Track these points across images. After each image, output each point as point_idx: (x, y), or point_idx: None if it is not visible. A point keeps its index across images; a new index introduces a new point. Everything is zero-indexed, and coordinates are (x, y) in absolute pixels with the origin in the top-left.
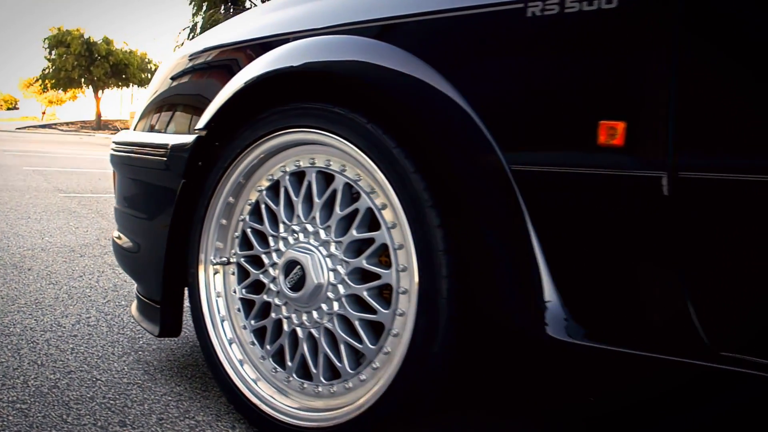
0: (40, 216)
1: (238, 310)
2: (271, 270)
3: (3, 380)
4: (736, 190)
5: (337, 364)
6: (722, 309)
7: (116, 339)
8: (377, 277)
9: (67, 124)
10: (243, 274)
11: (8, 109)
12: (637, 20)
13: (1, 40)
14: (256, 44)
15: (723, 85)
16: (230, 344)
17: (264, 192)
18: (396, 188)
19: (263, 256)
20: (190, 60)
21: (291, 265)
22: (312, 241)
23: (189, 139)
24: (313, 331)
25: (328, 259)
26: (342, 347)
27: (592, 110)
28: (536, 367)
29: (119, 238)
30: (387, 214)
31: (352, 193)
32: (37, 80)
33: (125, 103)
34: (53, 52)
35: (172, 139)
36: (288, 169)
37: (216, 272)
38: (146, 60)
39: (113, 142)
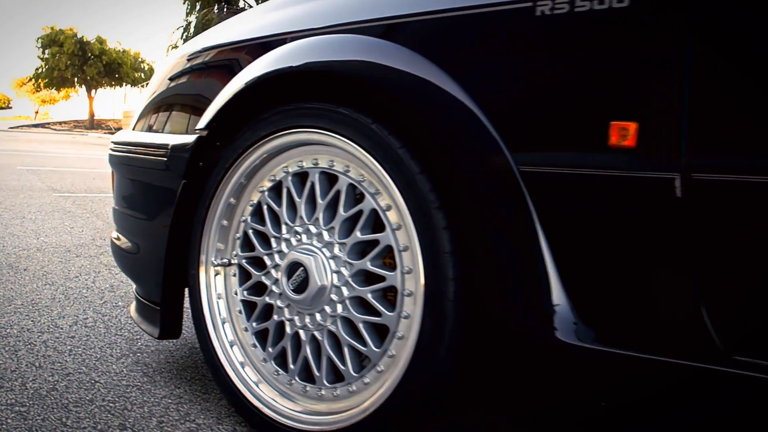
0: (34, 216)
1: (240, 312)
2: (273, 272)
3: (1, 382)
4: (751, 191)
5: (341, 367)
6: (736, 312)
7: (114, 340)
8: (382, 279)
9: (60, 123)
10: (244, 275)
11: (1, 108)
12: (649, 19)
13: None
14: (257, 43)
15: (737, 85)
16: (231, 346)
17: (266, 193)
18: (401, 189)
19: (265, 258)
20: (190, 59)
21: (294, 266)
22: (315, 242)
23: (190, 139)
24: (316, 333)
25: (331, 261)
26: (346, 350)
27: (603, 111)
28: (544, 371)
29: (118, 238)
30: (392, 216)
31: (355, 194)
32: (30, 79)
33: (118, 102)
34: (46, 52)
35: (172, 139)
36: (290, 170)
37: (217, 274)
38: (139, 59)
39: (112, 142)
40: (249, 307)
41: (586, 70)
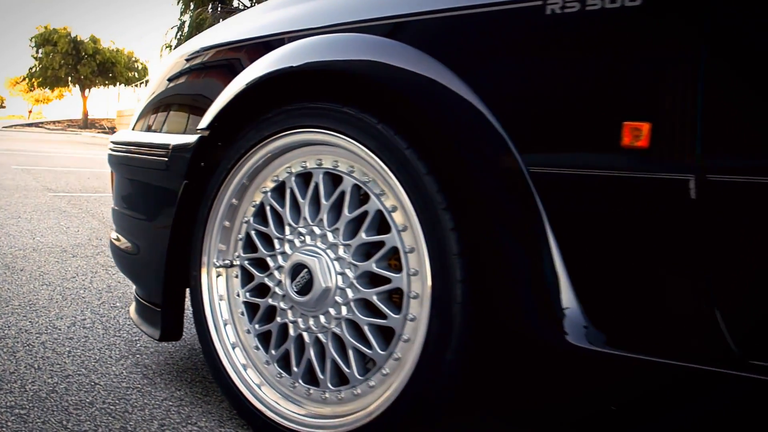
0: (30, 215)
1: (242, 313)
2: (276, 273)
3: (0, 384)
4: (767, 193)
5: (345, 370)
6: (752, 316)
7: (113, 342)
8: (387, 281)
9: (53, 122)
10: (247, 277)
11: None
12: (662, 17)
13: None
14: (260, 42)
15: (753, 84)
16: (233, 348)
17: (269, 193)
18: (408, 190)
19: (268, 259)
20: (191, 59)
21: (298, 268)
22: (319, 243)
23: (191, 139)
24: (320, 335)
25: (336, 263)
26: (350, 353)
27: (615, 111)
28: (554, 375)
29: (117, 239)
30: (397, 217)
31: (360, 195)
32: (23, 79)
33: (112, 101)
34: (40, 51)
35: (173, 139)
36: (294, 171)
37: (219, 275)
38: (133, 59)
39: (111, 141)
40: (251, 308)
41: (597, 69)
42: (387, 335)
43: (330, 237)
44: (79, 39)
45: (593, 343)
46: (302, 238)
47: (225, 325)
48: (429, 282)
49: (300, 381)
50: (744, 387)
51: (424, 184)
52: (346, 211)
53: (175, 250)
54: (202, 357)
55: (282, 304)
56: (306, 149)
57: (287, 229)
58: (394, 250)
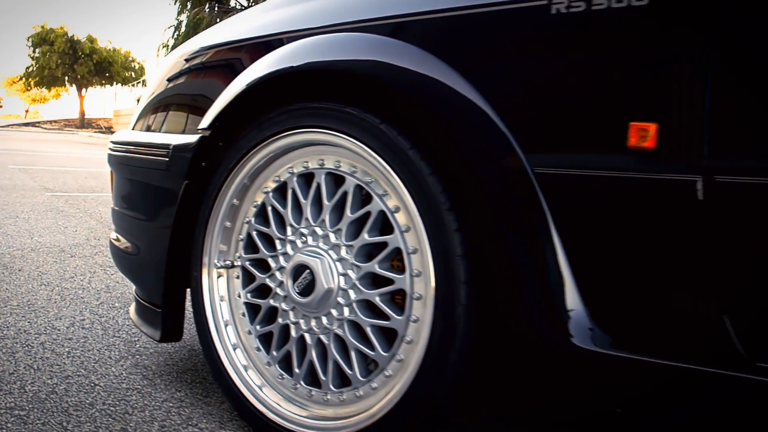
0: (28, 215)
1: (243, 314)
2: (278, 274)
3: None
4: None
5: (348, 371)
6: (759, 318)
7: (112, 342)
8: (390, 282)
9: (50, 122)
10: (248, 277)
11: None
12: (669, 18)
13: None
14: (260, 42)
15: (761, 84)
16: (234, 349)
17: (270, 194)
18: (411, 191)
19: (270, 260)
20: (190, 59)
21: (300, 269)
22: (321, 244)
23: (192, 139)
24: (322, 337)
25: (338, 264)
26: (353, 354)
27: (622, 111)
28: (559, 377)
29: (117, 240)
30: (400, 217)
31: (362, 195)
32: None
33: (109, 101)
34: (37, 50)
35: (174, 139)
36: (296, 171)
37: (220, 276)
38: (130, 58)
39: (111, 141)
40: (252, 309)
41: (603, 69)
42: (389, 337)
43: (332, 238)
44: (76, 38)
45: (599, 346)
46: (304, 238)
47: (226, 326)
48: (432, 283)
49: (302, 382)
50: (751, 389)
51: (427, 184)
52: (348, 211)
53: (176, 251)
54: (201, 358)
55: (284, 305)
56: (308, 149)
57: (289, 230)
58: (397, 251)
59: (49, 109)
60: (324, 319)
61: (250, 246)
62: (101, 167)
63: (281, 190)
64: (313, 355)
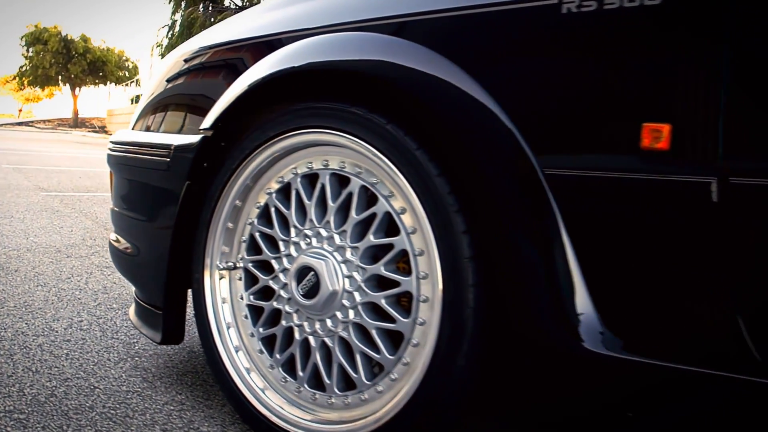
0: (23, 215)
1: (246, 317)
2: (281, 276)
3: None
4: None
5: (353, 374)
6: None
7: (111, 344)
8: (396, 284)
9: (43, 121)
10: (250, 279)
11: None
12: (683, 17)
13: None
14: (260, 42)
15: None
16: (236, 352)
17: (274, 195)
18: (418, 192)
19: (273, 262)
20: (190, 59)
21: (304, 271)
22: (326, 246)
23: (194, 139)
24: (326, 339)
25: (343, 265)
26: (358, 357)
27: (634, 112)
28: (569, 381)
29: (117, 240)
30: (407, 219)
31: (367, 196)
32: (14, 78)
33: (102, 100)
34: (30, 50)
35: (175, 140)
36: (299, 171)
37: (222, 277)
38: (123, 58)
39: (111, 141)
40: (255, 311)
41: (615, 69)
42: (395, 339)
43: (337, 239)
44: (69, 38)
45: (610, 349)
46: (308, 240)
47: (228, 328)
48: (440, 286)
49: (305, 385)
50: (766, 393)
51: (435, 185)
52: (353, 213)
53: (177, 252)
54: (202, 360)
55: (287, 308)
56: (312, 150)
57: (293, 231)
58: (403, 253)
59: (42, 108)
60: (328, 322)
61: (253, 247)
62: (95, 167)
63: (285, 191)
64: (318, 358)
